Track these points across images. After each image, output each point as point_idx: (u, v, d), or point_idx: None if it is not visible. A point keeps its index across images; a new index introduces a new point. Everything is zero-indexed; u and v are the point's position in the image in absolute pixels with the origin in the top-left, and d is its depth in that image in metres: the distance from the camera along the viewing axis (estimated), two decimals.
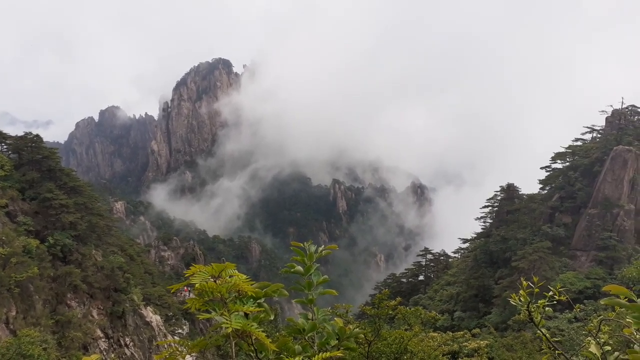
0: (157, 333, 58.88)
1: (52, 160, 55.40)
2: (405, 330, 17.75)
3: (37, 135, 57.16)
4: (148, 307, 61.76)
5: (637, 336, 2.91)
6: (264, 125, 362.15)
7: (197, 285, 2.49)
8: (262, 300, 2.88)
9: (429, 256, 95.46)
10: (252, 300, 2.74)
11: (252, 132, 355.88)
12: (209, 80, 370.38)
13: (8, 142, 56.25)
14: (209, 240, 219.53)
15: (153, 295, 67.96)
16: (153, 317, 61.04)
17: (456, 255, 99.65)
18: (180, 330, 68.63)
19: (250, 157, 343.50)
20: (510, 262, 65.34)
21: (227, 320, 2.42)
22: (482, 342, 31.54)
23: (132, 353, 52.22)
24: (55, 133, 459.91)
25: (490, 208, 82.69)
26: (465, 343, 31.02)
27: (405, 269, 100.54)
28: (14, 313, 39.97)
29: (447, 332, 34.22)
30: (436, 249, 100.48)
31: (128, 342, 52.34)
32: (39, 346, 33.59)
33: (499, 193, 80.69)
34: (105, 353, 47.95)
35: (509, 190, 78.90)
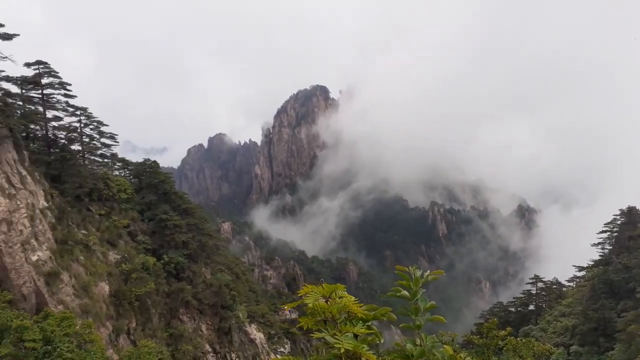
0: (260, 351, 60.48)
1: (167, 184, 59.83)
2: None
3: (155, 161, 62.25)
4: (252, 325, 63.62)
5: None
6: (360, 146, 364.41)
7: (309, 305, 2.60)
8: (370, 322, 2.93)
9: (540, 284, 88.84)
10: (361, 322, 2.80)
11: (349, 153, 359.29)
12: (307, 106, 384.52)
13: (130, 168, 61.99)
14: (307, 260, 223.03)
15: (257, 313, 69.84)
16: (257, 334, 62.68)
17: (570, 284, 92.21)
18: (282, 349, 69.54)
19: (348, 177, 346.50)
20: (635, 294, 58.93)
21: (339, 340, 2.50)
22: None
23: None
24: (170, 159, 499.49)
25: (609, 233, 75.69)
26: None
27: (514, 297, 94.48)
28: (134, 325, 43.41)
29: None
30: (543, 274, 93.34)
31: (234, 358, 54.21)
32: (156, 357, 36.16)
33: (618, 217, 73.63)
34: None
35: (631, 214, 71.53)
